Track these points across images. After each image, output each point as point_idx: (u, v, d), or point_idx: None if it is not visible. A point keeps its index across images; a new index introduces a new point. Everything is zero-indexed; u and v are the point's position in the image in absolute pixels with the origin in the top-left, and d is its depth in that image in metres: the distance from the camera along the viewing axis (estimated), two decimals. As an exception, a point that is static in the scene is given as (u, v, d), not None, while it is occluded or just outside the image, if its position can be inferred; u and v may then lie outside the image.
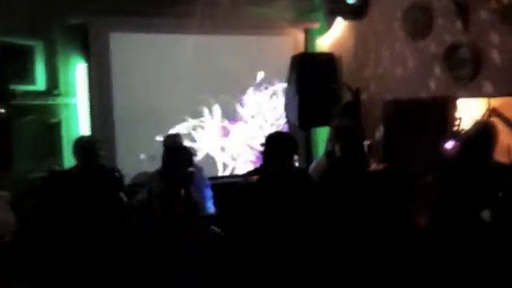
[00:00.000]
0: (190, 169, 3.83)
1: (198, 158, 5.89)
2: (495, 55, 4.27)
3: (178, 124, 5.95)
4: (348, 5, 5.54)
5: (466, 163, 3.33)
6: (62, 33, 5.47)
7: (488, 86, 4.33)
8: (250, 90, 6.32)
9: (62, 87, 5.49)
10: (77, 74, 5.60)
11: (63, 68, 5.52)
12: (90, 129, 5.56)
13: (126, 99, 5.70)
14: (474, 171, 3.22)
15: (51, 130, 5.37)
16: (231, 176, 6.16)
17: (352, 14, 5.63)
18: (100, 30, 5.64)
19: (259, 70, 6.32)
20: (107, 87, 5.67)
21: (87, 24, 5.51)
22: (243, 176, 4.49)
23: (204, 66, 6.00)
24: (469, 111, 4.56)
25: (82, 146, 4.00)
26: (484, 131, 3.38)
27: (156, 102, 5.78)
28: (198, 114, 6.08)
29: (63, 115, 5.47)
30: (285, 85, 6.04)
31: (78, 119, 5.58)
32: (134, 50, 5.79)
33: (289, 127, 6.01)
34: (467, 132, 3.57)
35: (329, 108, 5.40)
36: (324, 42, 6.32)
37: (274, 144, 3.31)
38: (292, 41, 6.46)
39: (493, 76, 4.29)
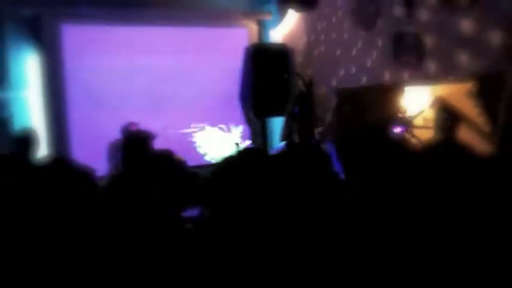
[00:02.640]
0: None
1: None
2: (439, 41, 4.48)
3: (135, 116, 5.91)
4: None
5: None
6: (13, 25, 5.36)
7: (432, 72, 4.54)
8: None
9: (12, 80, 5.39)
10: (29, 66, 5.51)
11: (14, 61, 5.42)
12: (44, 123, 5.48)
13: (80, 92, 5.65)
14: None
15: (2, 125, 5.26)
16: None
17: (303, 5, 5.77)
18: (52, 22, 5.58)
19: (214, 61, 6.37)
20: (60, 79, 5.61)
21: (39, 15, 5.43)
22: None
23: (159, 57, 6.01)
24: (416, 101, 4.77)
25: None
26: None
27: (111, 95, 5.75)
28: (156, 106, 6.07)
29: (15, 109, 5.37)
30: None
31: (29, 113, 5.49)
32: (88, 42, 5.74)
33: (245, 117, 6.11)
34: None
35: (283, 98, 5.53)
36: (277, 34, 6.45)
37: None
38: (246, 32, 6.55)
39: (436, 62, 4.50)
